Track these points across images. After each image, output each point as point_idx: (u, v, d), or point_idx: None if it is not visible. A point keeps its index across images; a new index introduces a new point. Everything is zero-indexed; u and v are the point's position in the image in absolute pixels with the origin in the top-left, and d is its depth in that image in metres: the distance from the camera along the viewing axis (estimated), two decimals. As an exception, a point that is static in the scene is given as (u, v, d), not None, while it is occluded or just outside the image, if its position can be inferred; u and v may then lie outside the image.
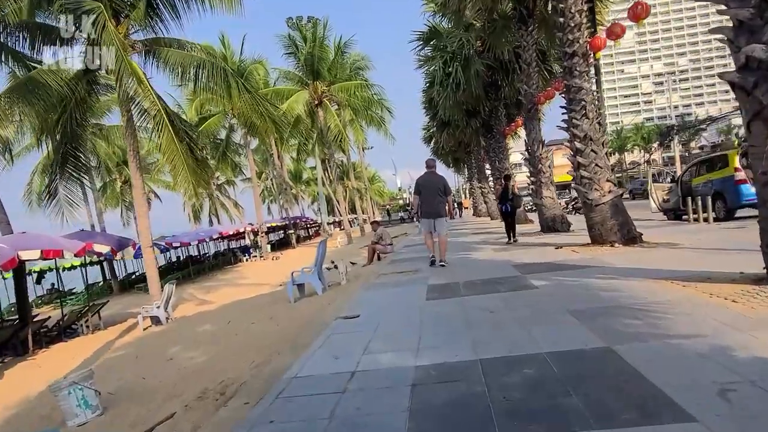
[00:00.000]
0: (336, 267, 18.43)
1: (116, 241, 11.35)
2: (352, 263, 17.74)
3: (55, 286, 29.09)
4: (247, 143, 29.22)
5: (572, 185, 9.46)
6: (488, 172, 26.94)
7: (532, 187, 14.18)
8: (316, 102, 27.02)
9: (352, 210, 71.57)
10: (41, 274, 28.19)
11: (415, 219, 13.07)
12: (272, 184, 49.39)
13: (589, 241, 9.29)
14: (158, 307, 10.65)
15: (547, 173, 13.87)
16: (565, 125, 9.39)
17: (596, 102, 9.18)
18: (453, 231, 20.01)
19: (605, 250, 8.39)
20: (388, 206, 69.90)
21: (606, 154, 9.18)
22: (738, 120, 77.89)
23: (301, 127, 27.34)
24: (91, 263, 25.17)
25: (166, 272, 27.29)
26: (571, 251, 8.85)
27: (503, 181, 13.22)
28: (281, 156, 41.49)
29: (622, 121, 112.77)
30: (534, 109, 13.96)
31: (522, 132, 28.34)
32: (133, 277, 29.57)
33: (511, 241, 11.92)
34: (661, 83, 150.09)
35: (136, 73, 10.55)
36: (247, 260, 31.12)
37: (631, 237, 8.66)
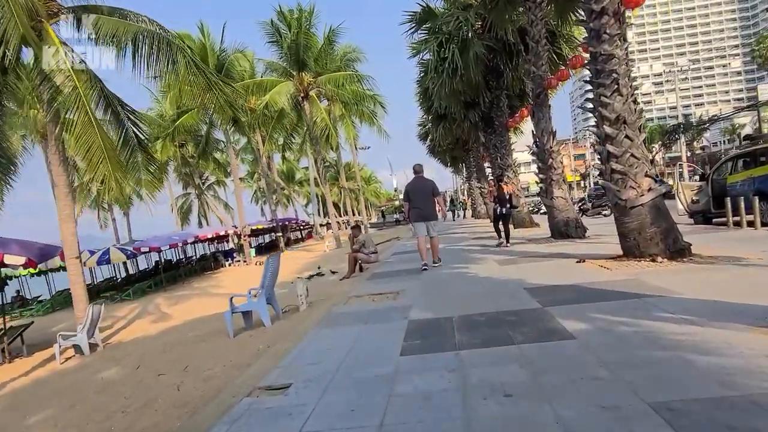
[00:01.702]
0: (318, 275, 16.55)
1: (36, 250, 9.28)
2: (332, 272, 15.75)
3: (20, 293, 27.04)
4: (228, 139, 27.12)
5: (599, 181, 7.43)
6: (488, 170, 24.94)
7: (540, 185, 12.13)
8: (302, 95, 24.95)
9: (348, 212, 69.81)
10: (3, 280, 25.99)
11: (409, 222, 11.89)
12: (264, 184, 47.24)
13: (621, 253, 7.28)
14: (78, 334, 8.59)
15: (558, 169, 11.83)
16: (591, 105, 7.37)
17: (630, 75, 7.14)
18: (449, 236, 17.98)
19: (646, 267, 6.36)
20: (382, 208, 67.80)
21: (644, 141, 7.13)
22: (742, 119, 76.31)
23: (285, 121, 25.30)
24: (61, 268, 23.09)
25: (138, 280, 25.19)
26: (599, 267, 6.82)
27: (495, 182, 12.76)
28: (270, 154, 39.41)
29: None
30: (543, 94, 11.93)
31: (525, 126, 26.43)
32: (112, 283, 27.44)
33: (505, 244, 11.35)
34: (661, 83, 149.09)
35: (53, 39, 8.56)
36: (229, 265, 29.02)
37: (678, 249, 6.64)
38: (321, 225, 51.82)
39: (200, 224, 49.63)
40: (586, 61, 7.55)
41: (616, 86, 6.94)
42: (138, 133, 11.05)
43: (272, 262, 6.78)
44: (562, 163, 12.01)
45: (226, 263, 29.16)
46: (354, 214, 40.72)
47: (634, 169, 6.86)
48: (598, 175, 7.70)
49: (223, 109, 10.39)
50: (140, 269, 30.31)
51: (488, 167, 25.45)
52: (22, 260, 8.94)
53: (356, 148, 40.18)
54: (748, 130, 72.52)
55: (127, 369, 6.45)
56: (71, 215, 9.84)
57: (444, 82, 15.06)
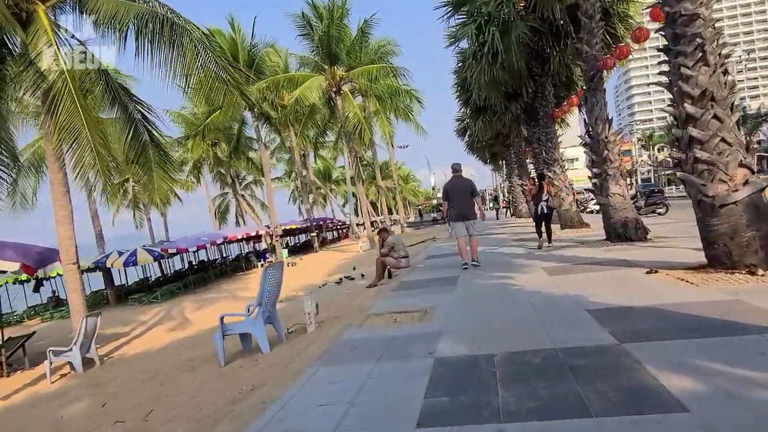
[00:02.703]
0: (349, 278, 15.45)
1: (35, 254, 8.53)
2: (362, 275, 14.61)
3: (56, 294, 27.06)
4: (259, 137, 26.37)
5: (677, 175, 6.00)
6: (531, 166, 23.34)
7: (594, 181, 10.62)
8: (335, 89, 23.93)
9: (387, 210, 68.59)
10: (39, 282, 26.01)
11: (448, 223, 11.22)
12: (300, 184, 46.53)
13: (704, 263, 5.85)
14: (71, 350, 7.72)
15: (615, 162, 10.32)
16: (667, 79, 5.95)
17: (719, 40, 5.70)
18: (488, 237, 16.61)
19: (744, 283, 4.95)
20: (420, 207, 66.35)
21: (737, 123, 5.68)
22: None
23: (317, 117, 24.36)
24: (90, 269, 22.91)
25: (168, 282, 24.77)
26: (679, 280, 5.44)
27: (536, 180, 11.81)
28: (304, 152, 38.70)
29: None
30: (598, 76, 10.46)
31: (571, 119, 24.71)
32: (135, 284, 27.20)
33: (548, 244, 10.90)
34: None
35: (42, 21, 7.74)
36: (261, 266, 28.32)
37: (785, 258, 5.20)
38: (357, 225, 50.94)
39: (237, 224, 49.55)
40: (660, 26, 6.11)
41: (701, 54, 5.52)
42: (149, 128, 10.17)
43: (272, 273, 5.62)
44: (619, 155, 10.48)
45: (258, 264, 28.48)
46: (391, 213, 39.55)
47: (724, 158, 5.43)
48: (674, 165, 6.23)
49: (233, 96, 9.35)
50: (177, 269, 30.12)
51: (530, 163, 23.89)
52: (15, 266, 8.17)
53: (392, 145, 38.95)
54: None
55: (94, 405, 5.47)
56: (68, 216, 9.01)
57: (483, 70, 13.72)
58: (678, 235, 10.33)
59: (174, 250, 20.96)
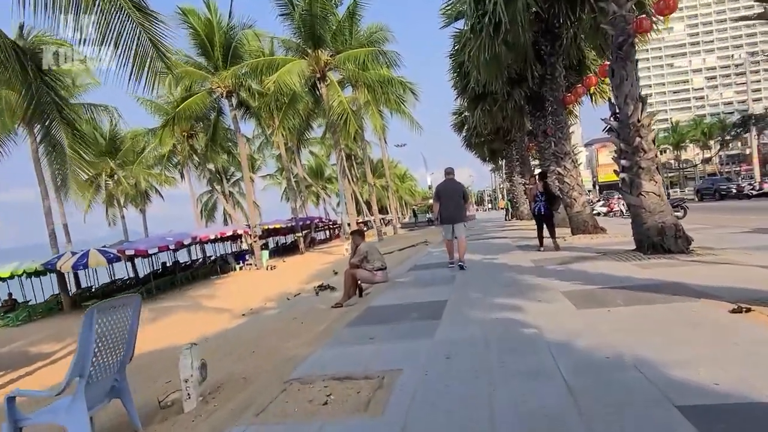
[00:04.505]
0: (325, 287, 13.25)
1: None
2: (330, 287, 12.46)
3: (12, 296, 24.70)
4: (236, 127, 24.03)
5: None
6: (535, 162, 21.12)
7: (623, 176, 8.35)
8: (319, 75, 21.63)
9: (381, 210, 66.06)
10: (-8, 283, 23.67)
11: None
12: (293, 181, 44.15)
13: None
14: None
15: (650, 153, 8.07)
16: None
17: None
18: (488, 242, 14.38)
19: None
20: (414, 206, 64.02)
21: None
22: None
23: (300, 107, 22.08)
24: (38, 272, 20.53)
25: (135, 285, 22.45)
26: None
27: (537, 179, 11.08)
28: (291, 147, 36.39)
29: (672, 118, 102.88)
30: (629, 43, 8.23)
31: (583, 111, 22.45)
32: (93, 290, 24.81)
33: (554, 246, 10.10)
34: (715, 77, 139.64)
35: None
36: (240, 269, 26.08)
37: None
38: (349, 224, 48.58)
39: (225, 222, 47.38)
40: None
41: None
42: (57, 99, 7.94)
43: (106, 322, 3.25)
44: (654, 143, 8.24)
45: (237, 267, 26.21)
46: (378, 213, 37.29)
47: None
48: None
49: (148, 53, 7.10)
50: (156, 270, 27.81)
51: (535, 159, 21.73)
52: None
53: (385, 141, 36.65)
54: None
55: None
56: None
57: (483, 45, 11.47)
58: (725, 246, 8.13)
59: (132, 252, 18.63)
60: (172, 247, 19.83)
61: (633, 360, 3.09)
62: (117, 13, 7.15)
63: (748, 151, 76.46)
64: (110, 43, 7.39)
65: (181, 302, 17.36)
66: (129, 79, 7.58)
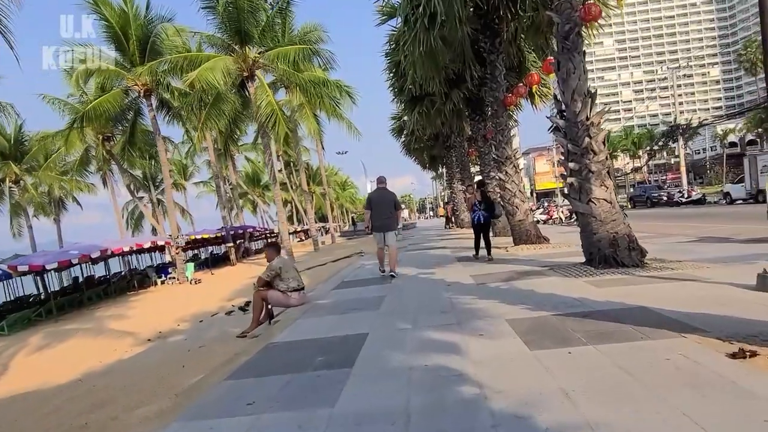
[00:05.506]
0: (243, 308, 11.80)
1: None
2: (244, 309, 11.14)
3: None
4: (156, 128, 21.94)
5: None
6: (476, 168, 20.37)
7: (570, 180, 7.45)
8: (246, 74, 20.03)
9: (322, 218, 64.26)
10: None
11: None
12: (229, 188, 41.75)
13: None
14: None
15: (600, 155, 7.19)
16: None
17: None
18: (426, 253, 13.32)
19: None
20: (353, 214, 62.78)
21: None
22: (730, 124, 73.19)
23: (225, 107, 20.39)
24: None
25: (28, 305, 19.87)
26: None
27: (476, 188, 10.61)
28: (225, 153, 34.35)
29: (605, 128, 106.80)
30: (575, 33, 7.36)
31: (523, 115, 21.94)
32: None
33: (488, 257, 9.74)
34: (641, 91, 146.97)
35: None
36: (162, 283, 23.88)
37: None
38: (290, 233, 46.67)
39: (154, 232, 44.37)
40: None
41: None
42: None
43: None
44: (605, 144, 7.37)
45: (158, 281, 23.99)
46: (314, 221, 35.81)
47: None
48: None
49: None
50: (64, 286, 25.06)
51: (475, 164, 21.00)
52: None
53: (323, 147, 35.26)
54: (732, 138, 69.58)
55: None
56: None
57: (418, 38, 10.42)
58: (678, 257, 7.36)
59: (26, 268, 16.30)
60: (75, 261, 17.57)
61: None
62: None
63: (673, 161, 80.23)
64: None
65: (84, 324, 15.27)
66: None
